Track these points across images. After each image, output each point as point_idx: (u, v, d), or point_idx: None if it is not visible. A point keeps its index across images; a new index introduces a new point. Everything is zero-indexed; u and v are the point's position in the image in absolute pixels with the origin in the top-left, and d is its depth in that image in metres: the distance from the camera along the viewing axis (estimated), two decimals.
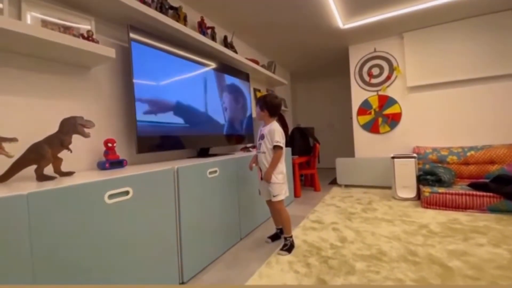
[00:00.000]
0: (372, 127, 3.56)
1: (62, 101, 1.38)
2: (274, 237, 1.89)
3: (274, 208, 1.81)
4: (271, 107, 1.75)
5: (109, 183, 1.07)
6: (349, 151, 3.93)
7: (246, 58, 2.80)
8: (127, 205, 1.14)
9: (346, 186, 3.57)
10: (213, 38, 2.38)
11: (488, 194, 2.17)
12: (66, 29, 1.34)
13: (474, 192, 2.22)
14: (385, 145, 3.48)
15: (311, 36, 3.23)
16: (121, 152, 1.60)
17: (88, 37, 1.32)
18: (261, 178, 1.79)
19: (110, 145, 1.46)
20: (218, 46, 2.26)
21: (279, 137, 1.70)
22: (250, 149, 2.68)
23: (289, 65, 4.55)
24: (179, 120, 1.82)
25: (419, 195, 2.64)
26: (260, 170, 1.80)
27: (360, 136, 3.66)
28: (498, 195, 2.14)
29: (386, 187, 3.26)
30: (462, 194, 2.24)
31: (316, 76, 5.49)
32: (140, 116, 1.52)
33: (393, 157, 2.83)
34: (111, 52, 1.38)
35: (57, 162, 1.16)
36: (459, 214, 2.19)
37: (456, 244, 1.65)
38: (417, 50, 3.22)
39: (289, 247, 1.69)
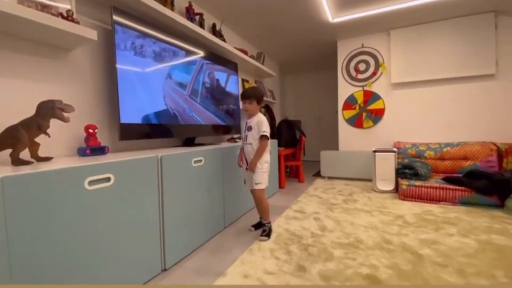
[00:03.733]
0: (356, 122, 3.65)
1: (39, 83, 1.32)
2: (258, 226, 1.93)
3: (256, 196, 1.84)
4: (260, 98, 1.82)
5: (89, 169, 1.05)
6: (334, 145, 4.02)
7: (235, 48, 2.77)
8: (108, 192, 1.12)
9: (329, 178, 3.68)
10: (201, 25, 2.33)
11: (460, 188, 2.31)
12: (44, 7, 1.27)
13: (448, 186, 2.35)
14: (368, 139, 3.58)
15: (301, 28, 3.22)
16: (103, 138, 1.57)
17: (68, 16, 1.26)
18: (246, 168, 1.82)
19: (91, 131, 1.42)
20: (206, 34, 2.21)
21: (267, 127, 1.77)
22: (237, 139, 2.68)
23: (278, 57, 4.54)
24: (164, 108, 1.78)
25: (397, 188, 2.77)
26: (246, 160, 1.83)
27: (345, 130, 3.75)
28: (469, 189, 2.28)
29: (367, 179, 3.38)
30: (436, 188, 2.37)
31: (304, 70, 5.52)
32: (123, 102, 1.48)
33: (374, 151, 2.93)
34: (92, 34, 1.32)
35: (34, 146, 1.12)
36: (432, 206, 2.32)
37: (428, 234, 1.76)
38: (402, 47, 3.29)
39: (268, 232, 1.78)
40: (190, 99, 2.03)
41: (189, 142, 2.13)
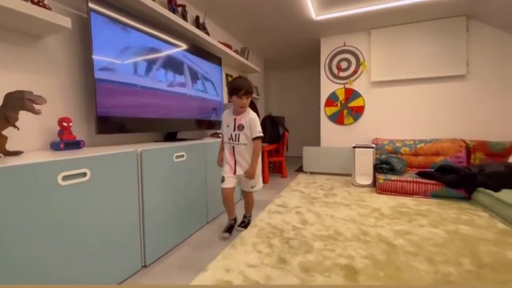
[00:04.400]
0: (337, 119, 3.75)
1: (6, 72, 1.23)
2: (230, 229, 1.77)
3: (250, 198, 1.85)
4: (230, 89, 1.64)
5: (63, 163, 1.01)
6: (316, 141, 4.10)
7: (219, 42, 2.73)
8: (84, 188, 1.08)
9: (312, 173, 3.76)
10: (184, 17, 2.28)
11: (432, 182, 2.45)
12: None
13: (421, 180, 2.49)
14: (348, 135, 3.70)
15: (285, 24, 3.24)
16: (78, 132, 1.50)
17: (39, 2, 1.18)
18: (233, 172, 1.70)
19: (65, 124, 1.35)
20: (188, 26, 2.16)
21: (259, 126, 1.68)
22: (220, 135, 2.66)
23: (263, 53, 4.53)
24: (144, 102, 1.73)
25: (374, 182, 2.89)
26: (235, 162, 1.70)
27: (327, 127, 3.84)
28: (440, 183, 2.43)
29: (347, 174, 3.50)
30: (410, 182, 2.51)
31: (289, 66, 5.55)
32: (100, 94, 1.42)
33: (354, 147, 3.03)
34: (66, 22, 1.25)
35: (1, 140, 1.05)
36: (407, 199, 2.45)
37: (401, 225, 1.86)
38: (382, 47, 3.41)
39: (246, 224, 1.87)
40: (172, 92, 1.99)
41: (170, 137, 2.09)
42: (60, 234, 0.99)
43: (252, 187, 1.77)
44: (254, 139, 1.66)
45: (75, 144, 1.36)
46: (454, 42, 3.07)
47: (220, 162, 1.80)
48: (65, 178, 1.01)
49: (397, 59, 3.33)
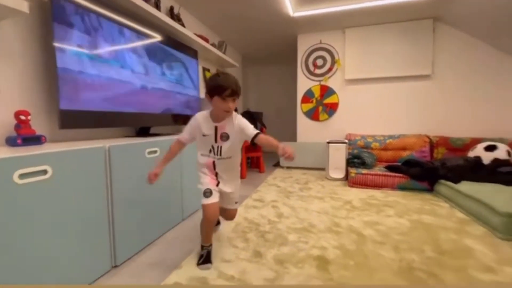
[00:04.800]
0: (313, 115, 3.84)
1: None
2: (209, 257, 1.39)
3: (234, 214, 1.56)
4: (210, 87, 1.25)
5: (19, 160, 0.93)
6: (293, 136, 4.18)
7: (195, 34, 2.66)
8: (45, 186, 1.01)
9: (288, 168, 3.84)
10: (157, 6, 2.18)
11: (399, 175, 2.62)
12: None
13: (389, 173, 2.65)
14: (323, 131, 3.81)
15: (263, 19, 3.23)
16: (39, 127, 1.39)
17: None
18: (216, 185, 1.38)
19: (23, 117, 1.25)
20: (162, 16, 2.08)
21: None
22: (181, 138, 2.61)
23: (241, 48, 4.49)
24: (112, 94, 1.65)
25: (347, 176, 3.02)
26: (217, 179, 1.38)
27: (303, 122, 3.92)
28: (406, 176, 2.60)
29: (322, 168, 3.61)
30: (379, 175, 2.65)
31: (267, 62, 5.56)
32: (63, 86, 1.33)
33: (328, 142, 3.14)
34: (21, 5, 1.14)
35: None
36: (376, 191, 2.59)
37: (370, 216, 1.96)
38: (355, 46, 3.52)
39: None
40: (144, 85, 1.91)
41: (143, 132, 2.01)
42: (17, 236, 0.92)
43: (236, 203, 1.49)
44: (255, 137, 1.27)
45: (35, 139, 1.26)
46: (421, 43, 3.25)
47: (153, 177, 1.33)
48: (22, 176, 0.93)
49: (370, 58, 3.47)
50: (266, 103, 5.85)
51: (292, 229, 1.75)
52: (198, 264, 1.33)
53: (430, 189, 2.55)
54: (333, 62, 3.70)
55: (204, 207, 1.31)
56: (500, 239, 1.55)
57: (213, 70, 3.56)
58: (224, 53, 3.52)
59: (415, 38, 3.27)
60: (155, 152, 1.63)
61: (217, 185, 1.38)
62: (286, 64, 5.46)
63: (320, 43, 3.75)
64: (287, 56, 4.86)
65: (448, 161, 2.52)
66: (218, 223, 1.74)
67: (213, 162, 1.36)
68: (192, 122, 1.35)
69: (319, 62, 3.77)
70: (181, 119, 2.38)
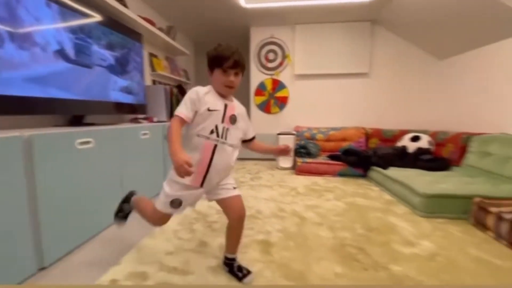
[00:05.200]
0: (265, 107, 3.94)
1: None
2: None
3: (241, 205, 1.14)
4: (210, 59, 1.09)
5: None
6: None
7: (139, 16, 2.46)
8: None
9: (241, 159, 3.89)
10: None
11: (339, 163, 2.88)
12: None
13: (330, 162, 2.90)
14: (274, 123, 3.94)
15: (214, 7, 3.14)
16: None
17: None
18: (201, 184, 1.06)
19: None
20: None
21: None
22: (141, 120, 2.46)
23: (193, 36, 4.32)
24: (38, 76, 1.43)
25: (294, 165, 3.20)
26: (206, 171, 1.05)
27: (256, 115, 4.00)
28: (345, 164, 2.87)
29: (273, 159, 3.76)
30: (322, 163, 2.89)
31: None
32: None
33: (278, 134, 3.28)
34: None
35: None
36: (319, 178, 2.81)
37: (312, 201, 2.12)
38: (304, 42, 3.69)
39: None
40: (78, 68, 1.70)
41: (76, 121, 1.80)
42: None
43: (235, 188, 1.16)
44: (252, 139, 1.21)
45: None
46: (361, 43, 3.57)
47: (187, 166, 0.87)
48: None
49: (317, 54, 3.68)
50: None
51: None
52: (115, 215, 1.36)
53: (364, 175, 2.86)
54: (284, 57, 3.82)
55: (160, 214, 1.10)
56: (419, 216, 1.82)
57: (161, 56, 3.36)
58: (174, 39, 3.34)
59: (356, 39, 3.57)
60: (88, 143, 1.48)
61: (202, 185, 1.07)
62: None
63: (272, 37, 3.83)
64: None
65: (379, 150, 2.86)
66: (247, 272, 1.16)
67: (214, 147, 1.04)
68: (190, 95, 1.04)
69: (271, 56, 3.86)
70: (122, 108, 2.20)
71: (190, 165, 0.88)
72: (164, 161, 2.42)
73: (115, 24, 2.11)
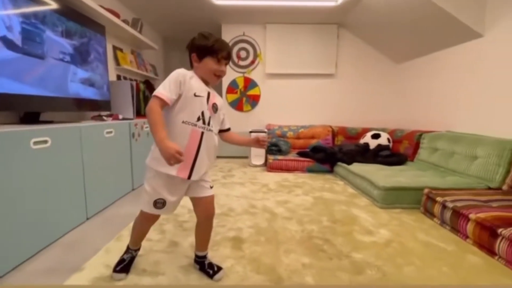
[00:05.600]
0: (237, 105, 3.95)
1: None
2: (130, 265, 1.19)
3: (212, 205, 1.17)
4: (200, 47, 1.05)
5: None
6: None
7: (101, 7, 2.30)
8: None
9: None
10: None
11: (308, 159, 3.01)
12: None
13: (300, 158, 3.02)
14: (246, 121, 3.98)
15: (183, 2, 3.06)
16: None
17: None
18: (188, 177, 1.02)
19: None
20: None
21: None
22: (105, 117, 2.32)
23: (162, 30, 4.16)
24: None
25: (266, 162, 3.28)
26: (195, 159, 1.01)
27: (228, 113, 3.92)
28: (313, 160, 3.00)
29: (245, 156, 3.79)
30: (292, 160, 3.00)
31: None
32: None
33: (250, 132, 3.32)
34: None
35: None
36: (289, 174, 2.92)
37: (282, 196, 2.20)
38: (275, 42, 3.76)
39: (214, 271, 1.16)
40: (32, 60, 1.55)
41: (30, 118, 1.65)
42: None
43: (211, 186, 1.16)
44: (228, 130, 1.22)
45: None
46: (328, 45, 3.74)
47: (179, 156, 0.84)
48: None
49: (287, 54, 3.77)
50: None
51: None
52: (115, 270, 1.13)
53: (331, 170, 3.03)
54: (255, 55, 3.86)
55: (146, 215, 1.09)
56: (378, 207, 1.98)
57: (127, 50, 3.19)
58: (140, 32, 3.19)
59: (324, 40, 3.73)
60: (44, 142, 1.37)
61: (189, 177, 1.01)
62: None
63: (243, 35, 3.84)
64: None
65: (344, 147, 3.04)
66: (218, 269, 1.17)
67: (202, 134, 1.01)
68: (177, 76, 0.98)
69: (243, 54, 3.87)
70: (84, 104, 2.07)
71: (181, 154, 0.85)
72: (131, 161, 2.33)
73: (74, 14, 1.96)
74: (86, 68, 2.08)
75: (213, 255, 1.31)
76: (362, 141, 3.27)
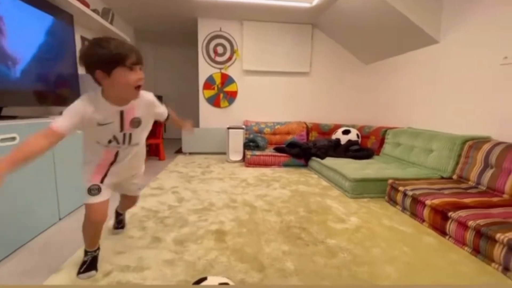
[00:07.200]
0: (214, 101, 3.95)
1: None
2: (95, 263, 1.18)
3: (135, 202, 1.44)
4: (101, 61, 0.88)
5: None
6: (196, 122, 4.16)
7: None
8: None
9: (191, 153, 3.84)
10: None
11: (284, 154, 3.13)
12: None
13: (276, 154, 3.13)
14: (224, 117, 3.99)
15: None
16: None
17: None
18: (101, 180, 1.11)
19: None
20: None
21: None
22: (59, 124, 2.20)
23: (134, 21, 3.98)
24: None
25: (244, 158, 3.34)
26: (107, 170, 1.11)
27: (205, 109, 3.97)
28: (289, 155, 3.13)
29: (223, 152, 3.81)
30: (269, 155, 3.10)
31: (166, 41, 5.18)
32: None
33: (228, 128, 3.35)
34: None
35: None
36: (266, 169, 3.02)
37: (261, 190, 2.28)
38: (252, 38, 3.80)
39: (123, 223, 1.52)
40: None
41: None
42: None
43: (139, 188, 1.38)
44: (168, 117, 1.27)
45: None
46: (303, 44, 3.87)
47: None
48: None
49: (264, 52, 3.84)
50: (166, 86, 5.48)
51: (193, 210, 1.82)
52: (79, 272, 1.11)
53: (306, 165, 3.18)
54: (233, 51, 3.87)
55: (88, 207, 1.07)
56: (349, 198, 2.15)
57: (94, 38, 3.02)
58: (111, 23, 3.04)
59: (299, 40, 3.85)
60: (12, 139, 1.29)
61: (103, 179, 1.10)
62: (188, 46, 5.26)
63: (220, 30, 3.82)
64: (188, 38, 4.67)
65: (318, 142, 3.21)
66: (122, 226, 1.52)
67: (116, 153, 1.08)
68: (77, 106, 0.93)
69: (220, 49, 3.86)
70: (49, 98, 1.94)
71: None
72: None
73: (43, 3, 1.83)
74: (52, 60, 1.96)
75: (197, 248, 1.35)
76: (334, 136, 3.46)
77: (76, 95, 2.22)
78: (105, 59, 0.88)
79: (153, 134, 3.58)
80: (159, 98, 3.80)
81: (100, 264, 1.19)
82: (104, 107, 0.96)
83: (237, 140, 3.34)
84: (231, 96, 3.95)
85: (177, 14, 3.62)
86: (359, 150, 3.00)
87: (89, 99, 0.95)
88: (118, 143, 1.04)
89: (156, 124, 3.54)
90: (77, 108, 0.93)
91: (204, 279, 0.86)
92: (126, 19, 3.90)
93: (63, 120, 0.89)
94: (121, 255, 1.28)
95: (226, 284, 0.84)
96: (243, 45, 3.81)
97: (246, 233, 1.53)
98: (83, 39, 2.74)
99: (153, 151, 3.74)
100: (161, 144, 3.51)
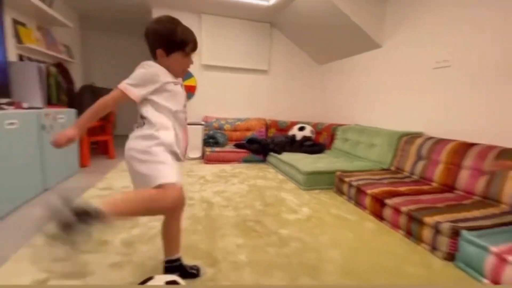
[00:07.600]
0: None
1: None
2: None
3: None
4: (167, 41, 0.96)
5: None
6: None
7: None
8: None
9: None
10: None
11: (243, 150, 3.18)
12: None
13: (236, 150, 3.16)
14: None
15: None
16: None
17: None
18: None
19: None
20: None
21: None
22: (4, 106, 1.92)
23: (79, 7, 3.60)
24: None
25: (203, 154, 3.29)
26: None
27: None
28: (249, 151, 3.18)
29: None
30: (229, 152, 3.12)
31: (117, 30, 4.78)
32: None
33: (188, 124, 3.25)
34: None
35: None
36: (226, 165, 3.02)
37: (220, 186, 2.28)
38: (211, 33, 3.72)
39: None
40: None
41: None
42: None
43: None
44: None
45: None
46: (262, 42, 3.92)
47: (65, 141, 0.88)
48: None
49: (223, 47, 3.79)
50: (117, 78, 4.96)
51: None
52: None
53: (264, 160, 3.27)
54: None
55: (176, 188, 0.89)
56: (302, 190, 2.27)
57: (33, 26, 2.66)
58: (51, 6, 2.71)
59: (258, 37, 3.89)
60: None
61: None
62: (140, 37, 4.93)
63: None
64: (141, 28, 4.36)
65: (275, 138, 3.32)
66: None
67: (178, 117, 1.03)
68: (149, 69, 0.94)
69: None
70: None
71: (68, 141, 0.89)
72: (41, 156, 2.00)
73: None
74: None
75: (147, 250, 1.31)
76: (290, 133, 3.60)
77: (5, 85, 1.94)
78: (170, 42, 0.96)
79: (102, 130, 3.31)
80: (108, 91, 3.51)
81: (35, 272, 1.08)
82: (171, 77, 0.99)
83: (196, 136, 3.28)
84: (190, 91, 3.83)
85: (128, 2, 3.37)
86: (313, 146, 3.18)
87: (159, 68, 0.97)
88: (183, 110, 1.05)
89: (105, 119, 3.28)
90: (149, 71, 0.94)
91: (151, 278, 0.84)
92: (70, 4, 3.50)
93: (133, 81, 0.93)
94: (61, 262, 1.17)
95: (174, 282, 0.83)
96: (202, 39, 3.71)
97: (201, 230, 1.52)
98: (15, 22, 2.39)
99: (102, 149, 3.46)
100: (111, 141, 3.26)
